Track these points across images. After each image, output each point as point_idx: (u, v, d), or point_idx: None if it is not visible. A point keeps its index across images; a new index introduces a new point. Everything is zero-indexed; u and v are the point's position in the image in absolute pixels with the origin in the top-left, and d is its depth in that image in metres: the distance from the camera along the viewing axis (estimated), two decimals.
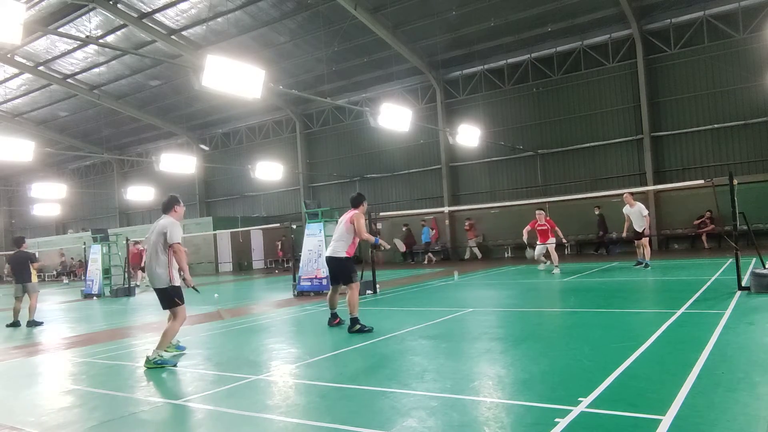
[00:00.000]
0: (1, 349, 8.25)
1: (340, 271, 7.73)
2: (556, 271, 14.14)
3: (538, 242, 14.84)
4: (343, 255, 7.69)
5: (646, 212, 13.47)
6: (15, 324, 10.82)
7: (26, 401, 5.07)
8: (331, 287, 8.10)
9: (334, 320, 7.98)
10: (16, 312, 10.97)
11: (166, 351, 6.18)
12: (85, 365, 6.59)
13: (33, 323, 10.77)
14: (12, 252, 11.35)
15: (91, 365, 6.55)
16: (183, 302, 6.27)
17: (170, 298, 6.17)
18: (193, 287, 6.48)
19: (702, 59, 20.21)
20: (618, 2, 19.68)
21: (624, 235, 14.25)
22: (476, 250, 23.95)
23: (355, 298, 7.48)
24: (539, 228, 14.56)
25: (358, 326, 7.28)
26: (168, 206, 6.38)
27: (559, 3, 20.25)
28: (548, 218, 14.71)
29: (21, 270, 11.05)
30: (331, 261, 7.79)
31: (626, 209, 13.63)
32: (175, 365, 5.95)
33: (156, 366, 5.90)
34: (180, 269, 6.20)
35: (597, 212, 20.83)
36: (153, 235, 6.19)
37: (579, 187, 21.87)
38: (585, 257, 20.30)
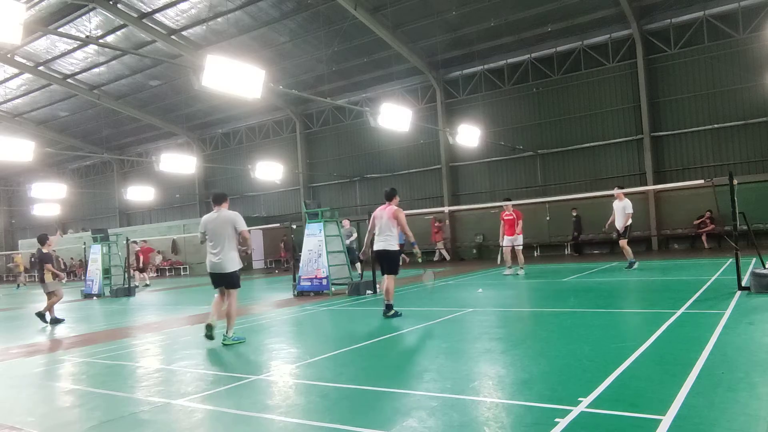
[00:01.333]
0: (1, 349, 8.25)
1: (390, 262, 8.40)
2: (521, 272, 13.93)
3: (504, 237, 14.23)
4: (397, 248, 8.38)
5: (630, 210, 13.37)
6: (54, 321, 10.91)
7: (26, 401, 5.07)
8: (386, 277, 8.47)
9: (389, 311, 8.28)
10: (49, 308, 11.07)
11: (226, 343, 6.92)
12: (85, 365, 6.59)
13: (41, 316, 10.84)
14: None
15: (91, 365, 6.55)
16: (240, 285, 7.23)
17: (238, 278, 7.13)
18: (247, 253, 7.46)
19: (702, 59, 20.22)
20: (618, 2, 19.69)
21: (604, 228, 14.31)
22: (444, 252, 24.44)
23: (393, 288, 8.31)
24: (506, 218, 14.11)
25: (392, 311, 8.19)
26: (221, 199, 7.21)
27: (559, 3, 20.26)
28: (515, 209, 14.24)
29: (39, 269, 11.24)
30: (386, 254, 8.37)
31: (615, 203, 13.66)
32: (244, 340, 7.11)
33: (234, 342, 6.95)
34: (246, 250, 7.22)
35: (574, 214, 21.47)
36: (217, 226, 7.01)
37: (579, 187, 21.88)
38: (584, 257, 20.31)
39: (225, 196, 7.31)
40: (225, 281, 7.07)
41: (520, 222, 14.06)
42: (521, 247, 14.21)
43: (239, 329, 8.55)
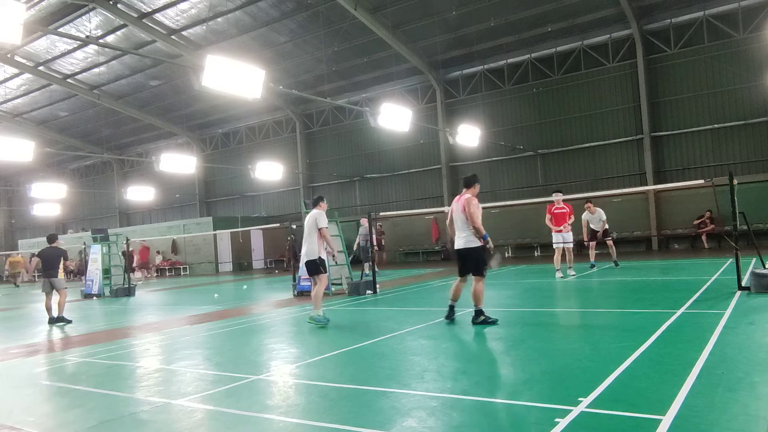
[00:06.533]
0: (1, 349, 8.25)
1: (475, 261, 7.22)
2: (572, 273, 12.77)
3: (553, 230, 12.87)
4: (479, 244, 7.23)
5: (604, 217, 14.29)
6: (52, 320, 10.83)
7: (26, 401, 5.07)
8: (459, 278, 7.51)
9: (452, 314, 7.48)
10: (48, 308, 10.99)
11: (317, 315, 8.01)
12: (85, 365, 6.59)
13: (62, 320, 10.79)
14: (44, 248, 11.35)
15: (91, 365, 6.55)
16: (326, 271, 8.47)
17: (317, 266, 8.25)
18: (334, 258, 8.86)
19: (702, 59, 20.23)
20: (618, 2, 19.69)
21: (585, 239, 14.60)
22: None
23: (482, 289, 7.19)
24: (556, 211, 12.80)
25: (482, 317, 7.07)
26: (315, 202, 8.76)
27: (559, 3, 20.26)
28: (567, 203, 13.00)
29: (51, 266, 11.11)
30: (466, 252, 7.29)
31: (586, 215, 14.21)
32: (327, 323, 7.99)
33: (315, 323, 7.94)
34: (327, 245, 8.37)
35: None
36: (308, 223, 8.46)
37: (579, 187, 21.88)
38: (585, 257, 20.25)
39: (318, 199, 8.80)
40: (307, 267, 8.42)
41: (572, 217, 12.85)
42: (572, 245, 13.03)
43: (238, 329, 8.57)
